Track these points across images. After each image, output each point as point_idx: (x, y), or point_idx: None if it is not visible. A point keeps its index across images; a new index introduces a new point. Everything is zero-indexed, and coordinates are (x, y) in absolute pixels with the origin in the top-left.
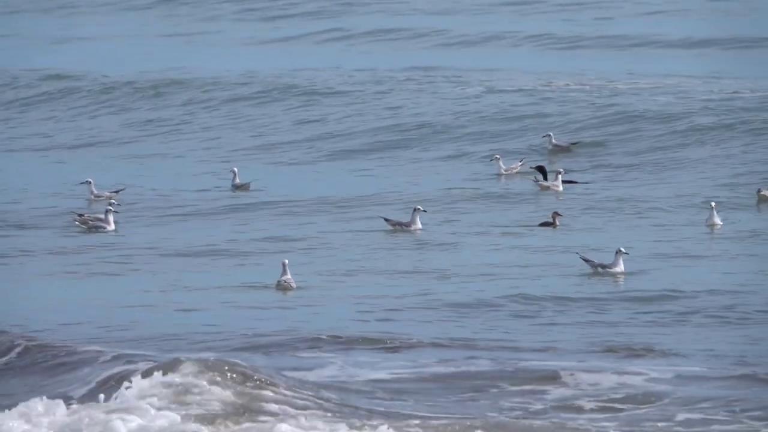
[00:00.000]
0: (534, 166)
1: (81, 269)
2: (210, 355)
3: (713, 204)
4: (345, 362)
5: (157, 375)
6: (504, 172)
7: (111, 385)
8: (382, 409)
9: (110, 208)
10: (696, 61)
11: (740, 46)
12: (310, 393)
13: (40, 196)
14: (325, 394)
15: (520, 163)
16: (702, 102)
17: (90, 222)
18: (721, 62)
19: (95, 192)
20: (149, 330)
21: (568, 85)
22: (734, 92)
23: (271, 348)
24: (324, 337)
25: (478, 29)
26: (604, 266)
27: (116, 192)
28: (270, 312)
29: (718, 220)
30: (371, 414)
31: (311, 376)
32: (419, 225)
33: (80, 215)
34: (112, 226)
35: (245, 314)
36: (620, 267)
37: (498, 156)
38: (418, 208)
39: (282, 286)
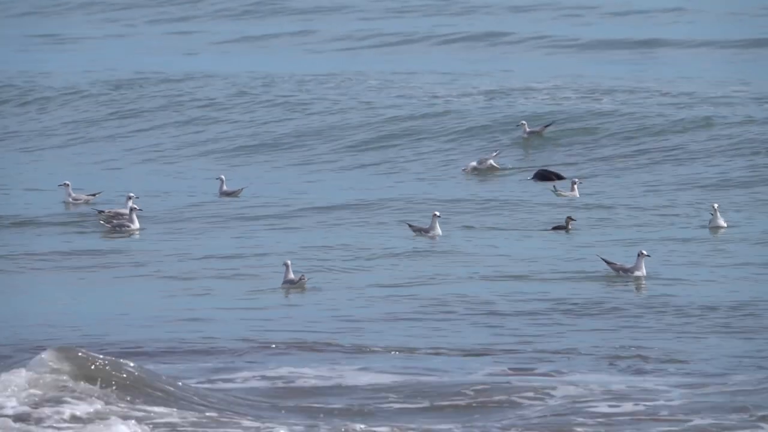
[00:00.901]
0: (531, 177)
1: (80, 271)
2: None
3: (716, 206)
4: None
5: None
6: (479, 166)
7: None
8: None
9: (134, 206)
10: (695, 62)
11: (741, 46)
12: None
13: (33, 196)
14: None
15: (494, 154)
16: (701, 101)
17: (114, 220)
18: (724, 64)
19: (73, 195)
20: (145, 335)
21: (567, 87)
22: (734, 91)
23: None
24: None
25: (479, 29)
26: (625, 269)
27: (93, 195)
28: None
29: (722, 222)
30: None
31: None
32: (439, 231)
33: (101, 211)
34: (137, 225)
35: (252, 317)
36: (642, 270)
37: (474, 165)
38: (436, 214)
39: (297, 285)
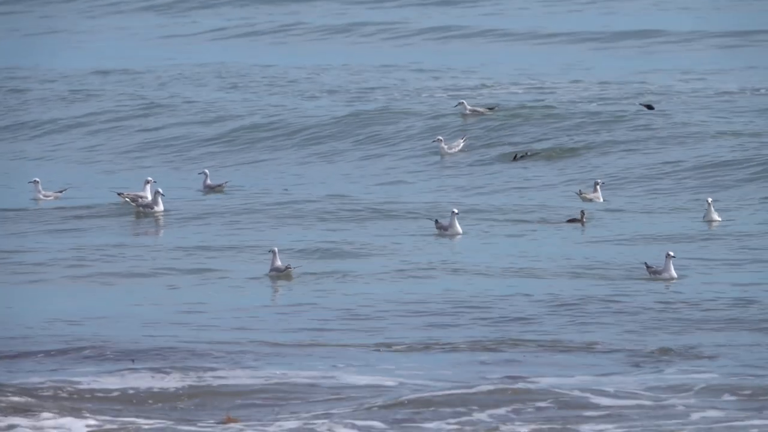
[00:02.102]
0: (519, 155)
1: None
2: None
3: (710, 200)
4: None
5: None
6: (447, 152)
7: None
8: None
9: (159, 190)
10: (684, 54)
11: (728, 35)
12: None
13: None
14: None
15: (462, 141)
16: (694, 97)
17: (138, 201)
18: (713, 56)
19: (43, 192)
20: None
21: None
22: (727, 85)
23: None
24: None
25: (465, 23)
26: (656, 272)
27: (61, 192)
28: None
29: (716, 216)
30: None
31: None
32: (458, 228)
33: (119, 193)
34: (161, 207)
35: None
36: (671, 272)
37: (441, 138)
38: (455, 211)
39: (284, 274)
